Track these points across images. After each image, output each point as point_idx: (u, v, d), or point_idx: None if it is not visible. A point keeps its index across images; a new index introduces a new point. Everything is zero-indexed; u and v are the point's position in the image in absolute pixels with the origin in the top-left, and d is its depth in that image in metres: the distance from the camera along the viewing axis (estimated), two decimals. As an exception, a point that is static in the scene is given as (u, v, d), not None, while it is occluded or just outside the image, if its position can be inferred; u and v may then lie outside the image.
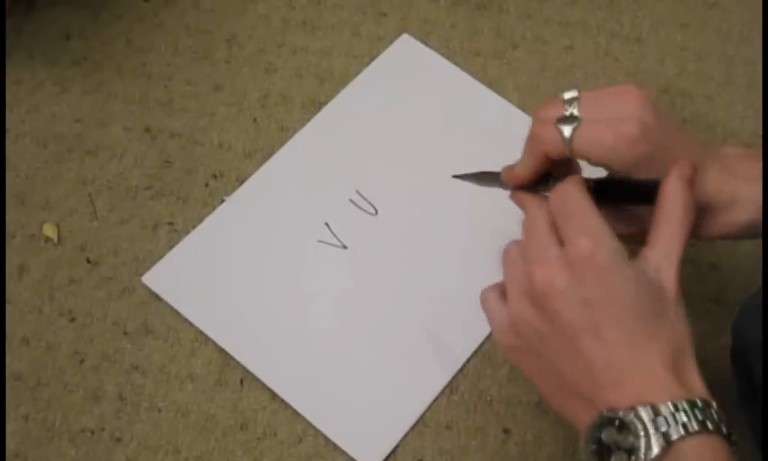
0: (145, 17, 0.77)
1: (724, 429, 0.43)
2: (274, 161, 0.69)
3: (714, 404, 0.43)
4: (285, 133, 0.70)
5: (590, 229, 0.44)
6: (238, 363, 0.60)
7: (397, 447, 0.58)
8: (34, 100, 0.72)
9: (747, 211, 0.50)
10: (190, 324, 0.62)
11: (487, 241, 0.65)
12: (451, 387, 0.60)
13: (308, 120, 0.71)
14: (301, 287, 0.63)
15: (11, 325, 0.62)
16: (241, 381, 0.60)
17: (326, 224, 0.66)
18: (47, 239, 0.66)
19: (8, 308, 0.63)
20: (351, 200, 0.67)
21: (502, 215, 0.66)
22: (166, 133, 0.71)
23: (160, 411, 0.59)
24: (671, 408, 0.42)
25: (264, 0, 0.78)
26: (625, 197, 0.50)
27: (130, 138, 0.70)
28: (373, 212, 0.66)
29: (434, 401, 0.59)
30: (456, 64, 0.74)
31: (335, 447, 0.58)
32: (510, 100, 0.72)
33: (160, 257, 0.64)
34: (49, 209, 0.67)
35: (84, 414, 0.59)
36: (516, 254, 0.48)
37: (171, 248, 0.65)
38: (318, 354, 0.61)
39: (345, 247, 0.65)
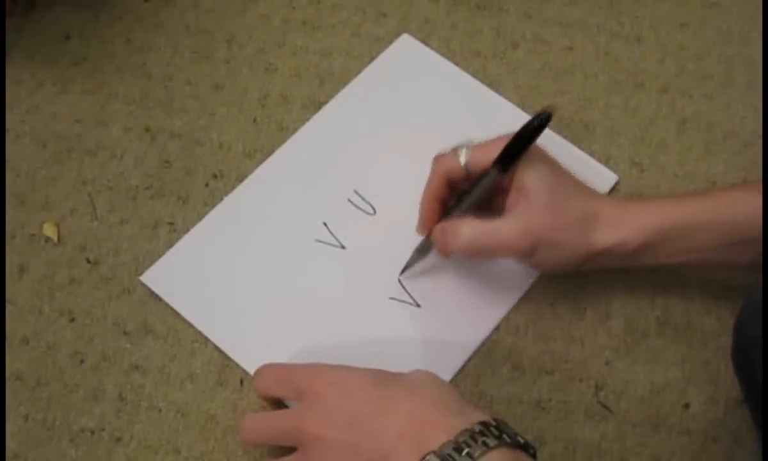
0: (145, 17, 0.77)
1: (521, 440, 0.47)
2: (272, 161, 0.69)
3: (502, 422, 0.48)
4: (285, 133, 0.70)
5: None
6: (237, 363, 0.60)
7: (396, 447, 0.58)
8: (34, 100, 0.72)
9: (608, 232, 0.56)
10: (190, 324, 0.62)
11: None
12: (451, 387, 0.60)
13: (308, 120, 0.71)
14: (299, 287, 0.63)
15: (11, 325, 0.62)
16: (241, 381, 0.60)
17: (324, 223, 0.66)
18: (47, 239, 0.66)
19: (8, 308, 0.63)
20: (349, 200, 0.67)
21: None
22: (166, 133, 0.71)
23: (160, 411, 0.59)
24: (452, 447, 0.45)
25: (264, 0, 0.78)
26: (518, 150, 0.56)
27: (130, 138, 0.70)
28: (372, 212, 0.66)
29: (434, 401, 0.59)
30: (456, 64, 0.74)
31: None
32: (510, 100, 0.72)
33: (160, 257, 0.64)
34: (49, 209, 0.67)
35: (84, 414, 0.59)
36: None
37: (171, 248, 0.65)
38: (316, 353, 0.61)
39: (343, 247, 0.65)
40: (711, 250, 0.56)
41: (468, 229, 0.57)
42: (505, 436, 0.46)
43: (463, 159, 0.58)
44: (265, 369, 0.56)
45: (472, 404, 0.50)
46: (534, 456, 0.48)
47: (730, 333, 0.56)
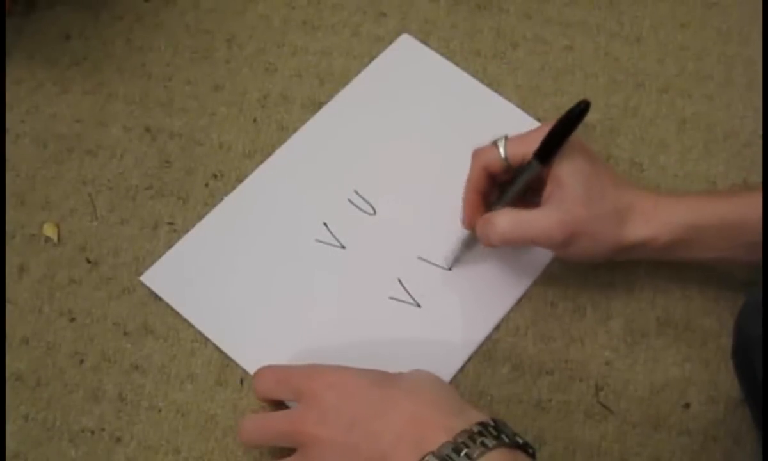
0: (145, 17, 0.77)
1: (520, 441, 0.47)
2: (272, 161, 0.69)
3: (500, 422, 0.48)
4: (285, 133, 0.70)
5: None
6: (238, 363, 0.60)
7: (396, 447, 0.58)
8: (34, 100, 0.72)
9: (644, 226, 0.57)
10: (190, 324, 0.62)
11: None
12: (451, 387, 0.60)
13: (308, 120, 0.71)
14: (299, 287, 0.63)
15: (11, 325, 0.62)
16: (241, 381, 0.60)
17: (324, 223, 0.66)
18: (47, 239, 0.66)
19: (8, 308, 0.63)
20: (349, 200, 0.67)
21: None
22: (166, 133, 0.71)
23: (160, 411, 0.59)
24: (450, 447, 0.45)
25: (264, 0, 0.78)
26: (558, 142, 0.58)
27: (130, 138, 0.70)
28: (372, 212, 0.66)
29: (434, 401, 0.59)
30: (456, 64, 0.74)
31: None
32: (510, 100, 0.72)
33: (160, 257, 0.64)
34: (49, 209, 0.67)
35: (84, 414, 0.59)
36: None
37: (171, 248, 0.65)
38: (316, 353, 0.61)
39: (343, 247, 0.65)
40: (741, 248, 0.56)
41: (506, 220, 0.58)
42: (503, 436, 0.46)
43: (502, 151, 0.59)
44: (265, 371, 0.56)
45: (471, 404, 0.50)
46: (533, 456, 0.48)
47: (730, 333, 0.57)
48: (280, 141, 0.70)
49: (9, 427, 0.59)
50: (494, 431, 0.47)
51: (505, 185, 0.61)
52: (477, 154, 0.61)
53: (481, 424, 0.46)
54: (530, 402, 0.59)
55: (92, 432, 0.59)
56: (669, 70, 0.74)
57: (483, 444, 0.45)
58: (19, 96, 0.72)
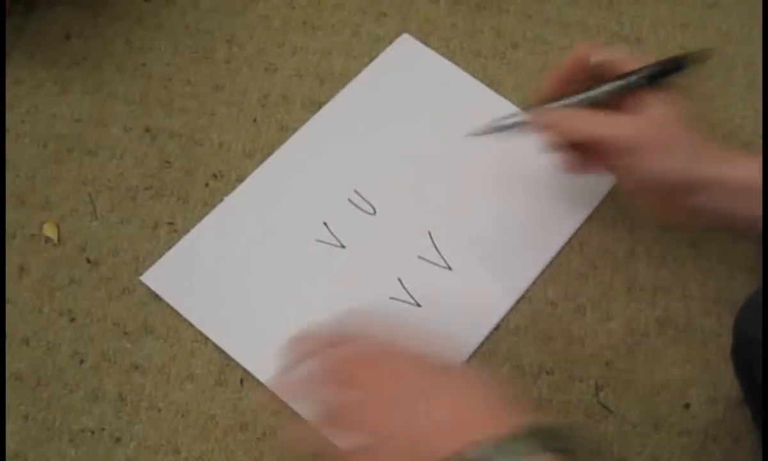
0: (145, 17, 0.77)
1: (570, 445, 0.44)
2: (273, 161, 0.69)
3: (553, 427, 0.45)
4: (285, 133, 0.70)
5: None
6: (238, 363, 0.60)
7: (396, 447, 0.58)
8: (34, 100, 0.72)
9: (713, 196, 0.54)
10: (190, 324, 0.62)
11: (486, 241, 0.65)
12: (451, 387, 0.60)
13: (308, 120, 0.71)
14: (299, 287, 0.63)
15: (11, 325, 0.62)
16: (241, 381, 0.60)
17: (325, 223, 0.66)
18: (47, 239, 0.66)
19: (8, 308, 0.63)
20: (350, 200, 0.67)
21: (500, 216, 0.66)
22: (166, 133, 0.71)
23: (160, 411, 0.59)
24: (492, 444, 0.43)
25: (264, 0, 0.78)
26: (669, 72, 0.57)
27: (130, 138, 0.70)
28: (372, 211, 0.66)
29: (434, 401, 0.59)
30: (456, 64, 0.74)
31: (335, 448, 0.58)
32: (510, 100, 0.72)
33: (160, 257, 0.65)
34: (49, 209, 0.67)
35: (84, 414, 0.59)
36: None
37: (171, 248, 0.65)
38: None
39: (343, 246, 0.65)
40: None
41: (584, 114, 0.57)
42: (550, 442, 0.44)
43: (610, 54, 0.58)
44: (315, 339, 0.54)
45: (525, 406, 0.48)
46: (583, 457, 0.46)
47: (730, 333, 0.57)
48: (280, 141, 0.70)
49: (9, 427, 0.59)
50: (542, 436, 0.44)
51: (587, 88, 0.59)
52: (584, 44, 0.60)
53: (530, 427, 0.44)
54: (530, 401, 0.59)
55: (92, 432, 0.59)
56: (669, 70, 0.74)
57: (528, 447, 0.43)
58: (19, 96, 0.72)
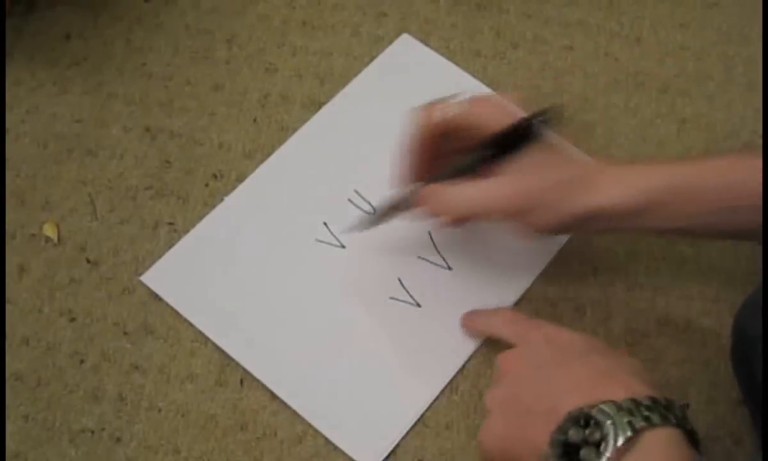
0: (145, 17, 0.77)
1: (687, 426, 0.45)
2: (272, 161, 0.69)
3: (677, 403, 0.46)
4: (285, 133, 0.70)
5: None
6: (238, 363, 0.60)
7: (397, 447, 0.58)
8: (34, 100, 0.72)
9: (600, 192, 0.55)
10: (190, 324, 0.62)
11: (486, 240, 0.65)
12: (451, 387, 0.60)
13: (308, 120, 0.71)
14: (299, 287, 0.63)
15: (11, 325, 0.62)
16: (241, 381, 0.60)
17: (325, 223, 0.66)
18: (47, 239, 0.66)
19: (8, 308, 0.63)
20: (350, 200, 0.67)
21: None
22: (166, 133, 0.71)
23: (160, 411, 0.59)
24: (632, 403, 0.44)
25: (264, 0, 0.78)
26: (516, 143, 0.56)
27: (130, 138, 0.70)
28: (372, 211, 0.66)
29: (434, 401, 0.59)
30: (456, 64, 0.74)
31: (335, 447, 0.58)
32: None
33: (160, 257, 0.64)
34: (49, 209, 0.67)
35: (84, 414, 0.59)
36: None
37: (171, 248, 0.65)
38: (317, 353, 0.61)
39: (343, 246, 0.65)
40: (706, 215, 0.54)
41: (458, 191, 0.56)
42: (671, 417, 0.45)
43: (454, 109, 0.57)
44: (496, 311, 0.61)
45: (650, 381, 0.49)
46: (698, 443, 0.46)
47: (730, 333, 0.57)
48: (280, 141, 0.70)
49: (9, 427, 0.59)
50: (663, 409, 0.45)
51: (454, 156, 0.58)
52: (428, 108, 0.58)
53: (652, 399, 0.45)
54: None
55: (92, 432, 0.59)
56: (669, 70, 0.74)
57: (647, 418, 0.44)
58: (19, 96, 0.72)
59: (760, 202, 0.51)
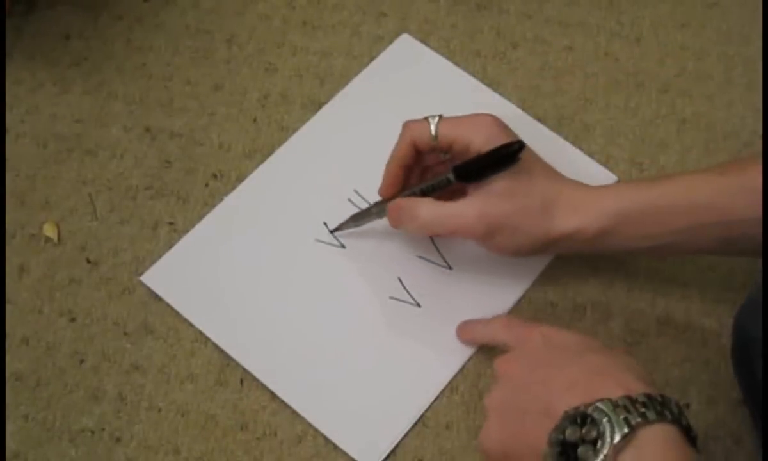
0: (145, 17, 0.77)
1: (684, 422, 0.45)
2: (272, 160, 0.69)
3: (673, 400, 0.46)
4: (285, 133, 0.70)
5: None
6: (238, 363, 0.60)
7: (397, 447, 0.58)
8: (34, 100, 0.72)
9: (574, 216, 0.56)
10: (190, 324, 0.62)
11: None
12: (451, 387, 0.60)
13: (308, 120, 0.71)
14: (299, 287, 0.63)
15: (11, 325, 0.62)
16: (241, 381, 0.60)
17: (325, 223, 0.66)
18: (47, 239, 0.66)
19: (8, 308, 0.63)
20: (350, 200, 0.67)
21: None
22: (166, 133, 0.71)
23: (160, 411, 0.59)
24: (627, 400, 0.44)
25: (264, 0, 0.78)
26: (482, 172, 0.57)
27: (130, 138, 0.70)
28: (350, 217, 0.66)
29: (434, 401, 0.59)
30: (456, 64, 0.74)
31: (335, 447, 0.58)
32: (510, 100, 0.72)
33: (160, 257, 0.64)
34: (49, 209, 0.67)
35: (84, 414, 0.59)
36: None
37: (171, 248, 0.65)
38: (317, 353, 0.61)
39: (343, 246, 0.65)
40: (672, 234, 0.55)
41: (426, 210, 0.58)
42: (666, 413, 0.45)
43: (433, 130, 0.58)
44: (494, 319, 0.60)
45: (647, 379, 0.49)
46: (695, 439, 0.46)
47: (730, 333, 0.57)
48: (280, 141, 0.70)
49: (9, 427, 0.59)
50: (659, 406, 0.45)
51: (430, 170, 0.61)
52: (407, 126, 0.60)
53: (647, 395, 0.45)
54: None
55: (92, 432, 0.59)
56: (669, 70, 0.74)
57: (643, 415, 0.44)
58: (19, 96, 0.72)
59: (725, 220, 0.53)
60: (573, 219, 0.56)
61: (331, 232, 0.65)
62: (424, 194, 0.59)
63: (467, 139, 0.57)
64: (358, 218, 0.64)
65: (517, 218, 0.56)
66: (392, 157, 0.61)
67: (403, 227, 0.59)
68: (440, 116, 0.59)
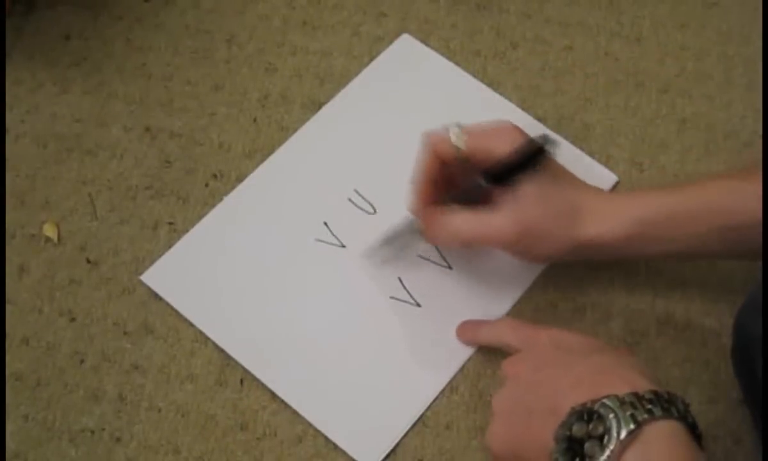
0: (145, 17, 0.77)
1: (689, 419, 0.45)
2: (273, 160, 0.69)
3: (680, 397, 0.46)
4: (285, 133, 0.70)
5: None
6: (238, 363, 0.60)
7: (397, 447, 0.58)
8: (34, 100, 0.72)
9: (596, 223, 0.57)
10: (190, 324, 0.62)
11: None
12: (451, 387, 0.60)
13: (308, 120, 0.71)
14: (299, 286, 0.63)
15: (11, 325, 0.62)
16: (241, 381, 0.60)
17: (325, 223, 0.66)
18: (47, 239, 0.66)
19: (8, 308, 0.63)
20: (350, 199, 0.67)
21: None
22: (166, 133, 0.71)
23: (160, 411, 0.59)
24: (634, 397, 0.45)
25: (264, 0, 0.78)
26: (513, 173, 0.56)
27: (130, 138, 0.70)
28: (372, 211, 0.66)
29: (434, 401, 0.59)
30: (456, 64, 0.74)
31: (335, 447, 0.58)
32: (510, 100, 0.72)
33: (160, 257, 0.64)
34: (49, 209, 0.67)
35: (84, 414, 0.59)
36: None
37: (171, 248, 0.65)
38: (317, 353, 0.61)
39: (343, 246, 0.65)
40: (696, 239, 0.56)
41: (460, 221, 0.58)
42: (673, 410, 0.45)
43: (455, 139, 0.58)
44: (499, 321, 0.61)
45: (653, 377, 0.49)
46: (699, 437, 0.46)
47: (730, 333, 0.57)
48: (280, 141, 0.70)
49: (9, 427, 0.59)
50: (665, 402, 0.45)
51: (453, 188, 0.60)
52: (430, 139, 0.59)
53: (654, 392, 0.45)
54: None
55: (92, 432, 0.59)
56: (669, 70, 0.74)
57: (650, 411, 0.44)
58: (19, 96, 0.72)
59: (748, 224, 0.53)
60: (600, 226, 0.57)
61: (368, 256, 0.64)
62: (455, 204, 0.59)
63: (491, 146, 0.57)
64: (391, 239, 0.63)
65: (549, 222, 0.57)
66: (418, 172, 0.60)
67: (439, 241, 0.60)
68: (459, 125, 0.58)
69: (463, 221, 0.58)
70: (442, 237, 0.59)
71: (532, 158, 0.56)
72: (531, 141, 0.56)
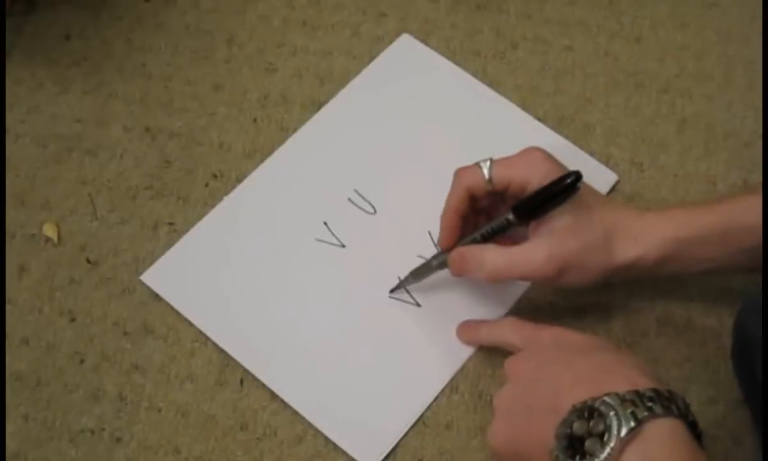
0: (145, 17, 0.77)
1: (690, 417, 0.45)
2: (273, 160, 0.69)
3: (680, 395, 0.46)
4: (285, 133, 0.70)
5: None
6: (238, 363, 0.60)
7: (396, 447, 0.58)
8: (34, 100, 0.72)
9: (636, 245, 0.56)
10: (190, 324, 0.62)
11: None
12: (451, 387, 0.60)
13: (308, 120, 0.71)
14: (299, 286, 0.63)
15: (11, 325, 0.62)
16: (241, 381, 0.60)
17: (325, 223, 0.66)
18: (47, 239, 0.66)
19: (8, 308, 0.63)
20: (350, 199, 0.67)
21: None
22: (166, 133, 0.71)
23: (160, 411, 0.59)
24: (634, 395, 0.45)
25: (264, 0, 0.78)
26: (543, 208, 0.55)
27: (130, 138, 0.70)
28: (372, 211, 0.66)
29: (434, 401, 0.59)
30: (456, 64, 0.74)
31: (335, 447, 0.58)
32: (510, 100, 0.72)
33: (160, 257, 0.64)
34: (49, 209, 0.67)
35: (84, 414, 0.59)
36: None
37: (171, 248, 0.65)
38: (317, 353, 0.61)
39: (343, 246, 0.65)
40: (728, 257, 0.56)
41: (492, 256, 0.57)
42: (673, 408, 0.45)
43: (486, 173, 0.57)
44: (502, 321, 0.60)
45: (653, 375, 0.49)
46: (699, 436, 0.46)
47: (730, 333, 0.57)
48: (280, 141, 0.70)
49: (9, 427, 0.59)
50: (666, 400, 0.45)
51: (485, 212, 0.60)
52: (460, 175, 0.59)
53: (654, 390, 0.45)
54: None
55: (92, 432, 0.59)
56: (669, 70, 0.74)
57: (650, 409, 0.44)
58: (19, 96, 0.72)
59: None
60: (634, 249, 0.56)
61: (391, 291, 0.63)
62: (484, 239, 0.58)
63: (524, 179, 0.56)
64: (419, 274, 0.62)
65: (585, 255, 0.56)
66: (448, 207, 0.59)
67: (471, 276, 0.58)
68: (491, 159, 0.57)
69: (495, 256, 0.57)
70: (469, 272, 0.58)
71: (562, 193, 0.55)
72: (561, 178, 0.55)
